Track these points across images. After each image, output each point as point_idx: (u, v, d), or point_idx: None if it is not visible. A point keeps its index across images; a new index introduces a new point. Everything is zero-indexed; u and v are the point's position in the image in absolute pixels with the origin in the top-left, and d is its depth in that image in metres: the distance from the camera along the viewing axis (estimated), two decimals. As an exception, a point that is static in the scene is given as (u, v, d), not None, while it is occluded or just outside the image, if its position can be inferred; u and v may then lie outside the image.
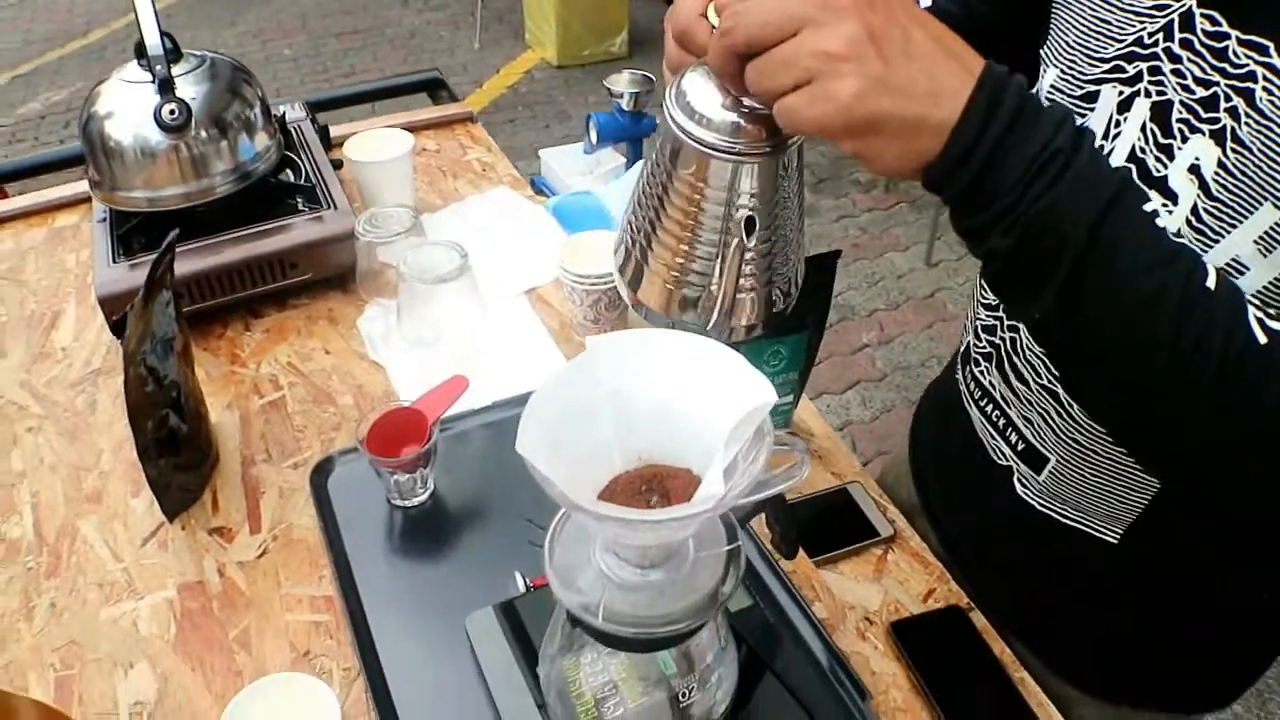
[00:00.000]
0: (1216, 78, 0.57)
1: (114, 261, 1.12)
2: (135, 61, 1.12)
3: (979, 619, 0.84)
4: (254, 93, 1.19)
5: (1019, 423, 0.79)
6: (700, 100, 0.53)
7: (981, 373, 0.84)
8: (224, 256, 1.13)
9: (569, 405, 0.54)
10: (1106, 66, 0.65)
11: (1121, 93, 0.64)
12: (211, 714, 0.77)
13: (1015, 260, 0.50)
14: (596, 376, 0.55)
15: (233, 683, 0.79)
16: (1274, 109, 0.54)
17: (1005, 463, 0.83)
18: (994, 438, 0.83)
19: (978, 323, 0.84)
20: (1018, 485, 0.82)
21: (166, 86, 1.08)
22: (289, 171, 1.28)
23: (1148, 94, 0.62)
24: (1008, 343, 0.78)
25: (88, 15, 5.27)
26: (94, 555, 0.90)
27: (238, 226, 1.16)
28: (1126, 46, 0.64)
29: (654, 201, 0.57)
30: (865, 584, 0.87)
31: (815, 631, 0.79)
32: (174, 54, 1.12)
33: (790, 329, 0.91)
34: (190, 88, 1.12)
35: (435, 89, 1.75)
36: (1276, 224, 0.55)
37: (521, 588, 0.81)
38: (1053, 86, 0.70)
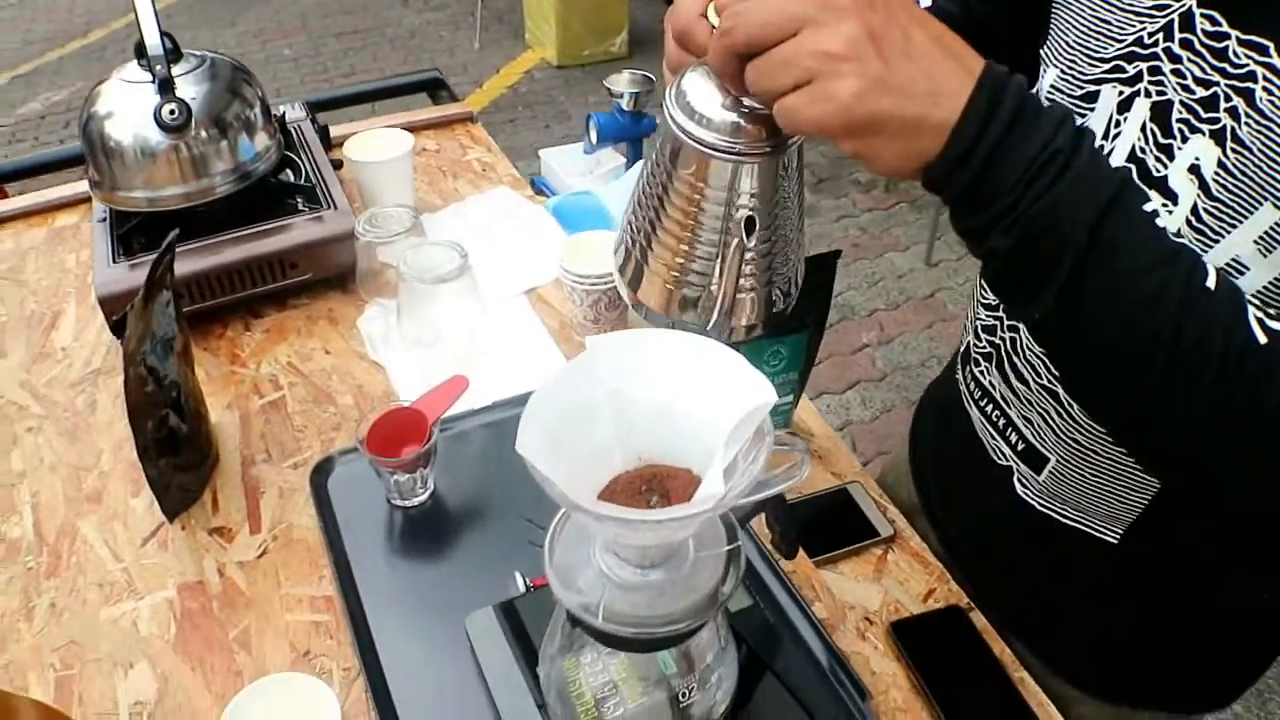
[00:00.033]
0: (1216, 78, 0.57)
1: (114, 261, 1.12)
2: (135, 61, 1.12)
3: (979, 619, 0.84)
4: (254, 93, 1.19)
5: (1019, 423, 0.79)
6: (700, 100, 0.53)
7: (981, 373, 0.84)
8: (224, 256, 1.13)
9: (569, 405, 0.54)
10: (1106, 66, 0.65)
11: (1121, 93, 0.64)
12: (211, 714, 0.77)
13: (1015, 260, 0.50)
14: (596, 376, 0.55)
15: (233, 683, 0.79)
16: (1274, 109, 0.54)
17: (1005, 463, 0.83)
18: (994, 438, 0.83)
19: (978, 323, 0.84)
20: (1018, 485, 0.82)
21: (166, 86, 1.08)
22: (289, 171, 1.28)
23: (1148, 94, 0.62)
24: (1008, 343, 0.78)
25: (88, 15, 5.27)
26: (94, 555, 0.90)
27: (238, 226, 1.16)
28: (1126, 46, 0.64)
29: (654, 202, 0.57)
30: (865, 584, 0.87)
31: (815, 631, 0.79)
32: (174, 54, 1.12)
33: (790, 329, 0.91)
34: (190, 88, 1.12)
35: (435, 89, 1.75)
36: (1276, 224, 0.55)
37: (521, 588, 0.81)
38: (1053, 86, 0.70)
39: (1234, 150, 0.56)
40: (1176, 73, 0.60)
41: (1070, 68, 0.68)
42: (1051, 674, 0.83)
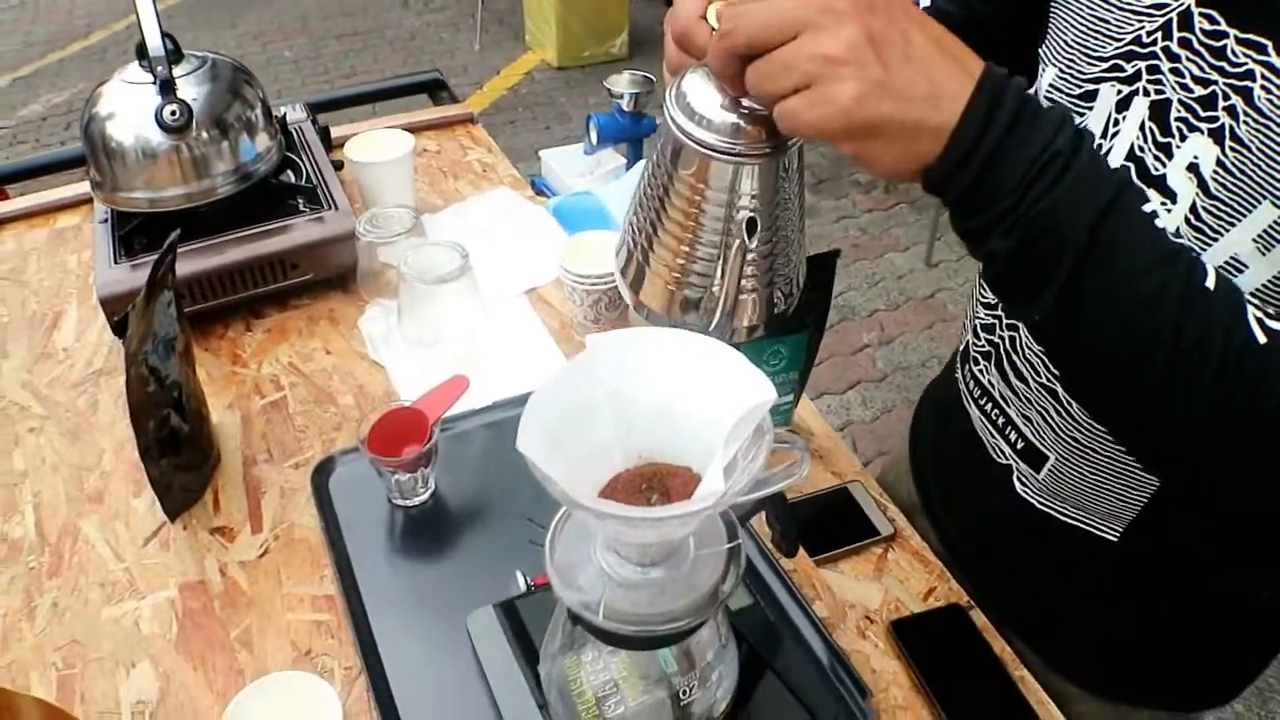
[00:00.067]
0: (1215, 76, 0.58)
1: (115, 262, 1.12)
2: (136, 62, 1.12)
3: (979, 617, 0.84)
4: (255, 94, 1.19)
5: (1018, 421, 0.80)
6: (700, 102, 0.53)
7: (981, 371, 0.84)
8: (225, 257, 1.13)
9: (569, 404, 0.54)
10: (1105, 65, 0.65)
11: (1120, 91, 0.64)
12: (213, 713, 0.77)
13: (1015, 262, 0.51)
14: (597, 375, 0.55)
15: (234, 682, 0.79)
16: (1272, 107, 0.54)
17: (1005, 461, 0.83)
18: (993, 436, 0.84)
19: (977, 321, 0.84)
20: (1017, 484, 0.82)
21: (168, 87, 1.08)
22: (290, 172, 1.28)
23: (1146, 93, 0.63)
24: (1007, 341, 0.78)
25: (88, 17, 5.28)
26: (96, 555, 0.90)
27: (239, 227, 1.16)
28: (1125, 45, 0.64)
29: (655, 203, 0.57)
30: (865, 583, 0.88)
31: (815, 630, 0.79)
32: (175, 55, 1.12)
33: (790, 329, 0.91)
34: (191, 89, 1.12)
35: (436, 90, 1.75)
36: (1275, 222, 0.55)
37: (522, 587, 0.81)
38: (1051, 86, 0.70)
39: (1232, 149, 0.57)
40: (1175, 71, 0.60)
41: (1069, 67, 0.68)
42: (1051, 672, 0.84)
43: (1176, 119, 0.60)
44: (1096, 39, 0.66)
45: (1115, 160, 0.64)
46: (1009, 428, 0.81)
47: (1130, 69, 0.63)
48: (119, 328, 0.83)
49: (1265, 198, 0.55)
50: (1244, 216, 0.57)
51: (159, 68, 1.08)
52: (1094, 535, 0.78)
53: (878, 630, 0.83)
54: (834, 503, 0.95)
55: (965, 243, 0.53)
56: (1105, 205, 0.48)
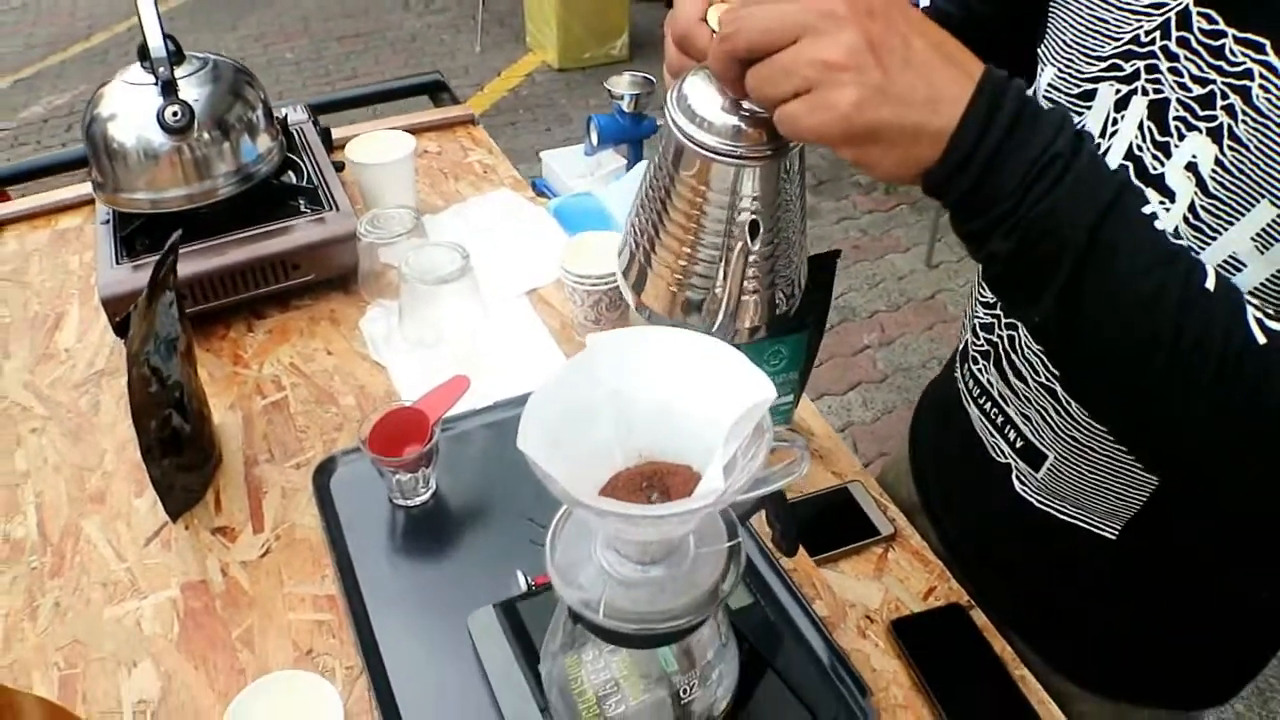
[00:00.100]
0: (1213, 76, 0.58)
1: (117, 263, 1.12)
2: (138, 64, 1.12)
3: (979, 617, 0.84)
4: (256, 95, 1.20)
5: (1017, 420, 0.80)
6: (702, 104, 0.53)
7: (980, 370, 0.84)
8: (227, 258, 1.14)
9: (570, 403, 0.55)
10: (1104, 65, 0.65)
11: (1119, 91, 0.65)
12: (215, 712, 0.77)
13: (1015, 263, 0.51)
14: (597, 375, 0.56)
15: (236, 681, 0.79)
16: (1271, 106, 0.54)
17: (1004, 460, 0.83)
18: (992, 435, 0.84)
19: (976, 320, 0.84)
20: (1016, 483, 0.82)
21: (169, 88, 1.09)
22: (291, 173, 1.28)
23: (1145, 92, 0.63)
24: (1006, 341, 0.79)
25: (90, 19, 5.28)
26: (97, 555, 0.90)
27: (240, 228, 1.16)
28: (1124, 45, 0.64)
29: (657, 205, 0.57)
30: (866, 582, 0.88)
31: (816, 629, 0.79)
32: (177, 56, 1.12)
33: (790, 329, 0.91)
34: (193, 90, 1.12)
35: (436, 91, 1.75)
36: (1273, 221, 0.56)
37: (523, 586, 0.82)
38: (1050, 85, 0.70)
39: (1231, 148, 0.57)
40: (1174, 71, 0.60)
41: (1068, 66, 0.69)
42: (1052, 671, 0.84)
43: (1175, 118, 0.61)
44: (1095, 38, 0.66)
45: (1114, 159, 0.64)
46: (1008, 427, 0.81)
47: (1129, 68, 0.64)
48: (121, 328, 0.83)
49: (1264, 196, 0.56)
50: (1242, 215, 0.57)
51: (161, 69, 1.08)
52: (1093, 534, 0.78)
53: (878, 630, 0.83)
54: (834, 502, 0.95)
55: (965, 244, 0.53)
56: (1105, 207, 0.48)
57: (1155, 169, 0.62)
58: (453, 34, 5.03)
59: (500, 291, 1.22)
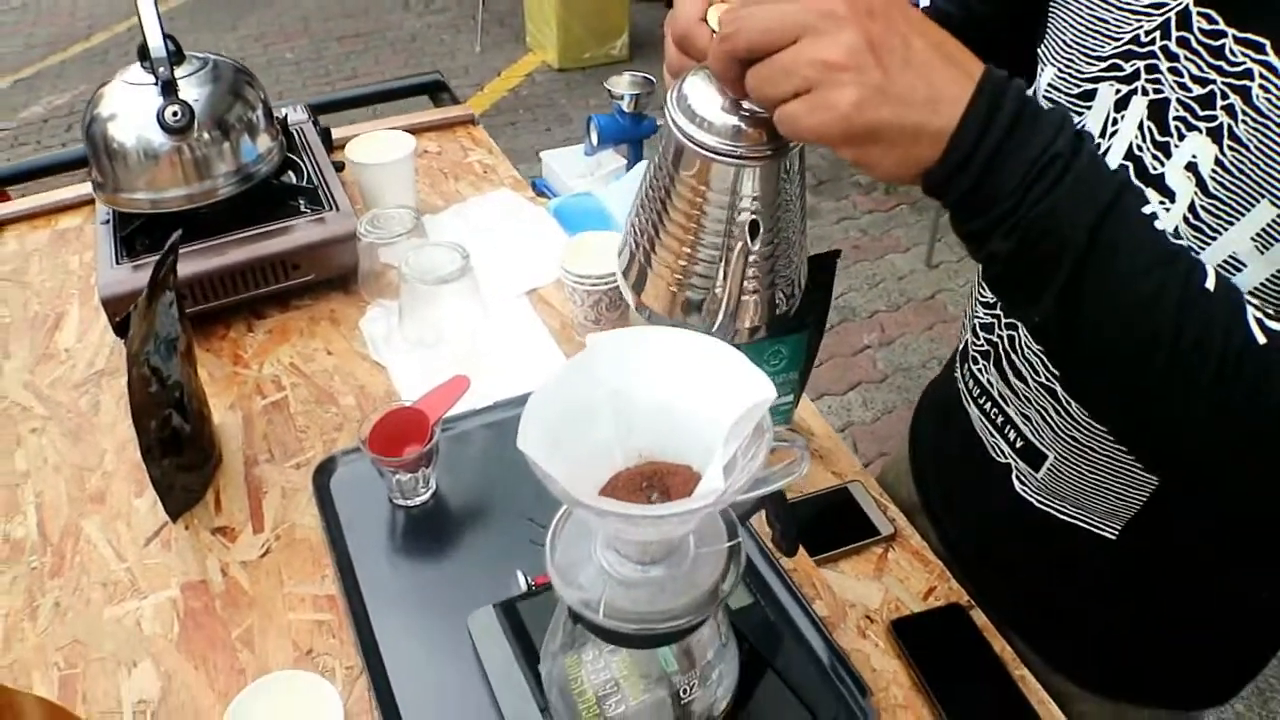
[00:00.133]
0: (1213, 76, 0.58)
1: (117, 263, 1.12)
2: (138, 64, 1.12)
3: (979, 617, 0.84)
4: (256, 95, 1.20)
5: (1017, 420, 0.80)
6: (702, 104, 0.53)
7: (980, 370, 0.84)
8: (227, 258, 1.14)
9: (570, 403, 0.55)
10: (1104, 65, 0.65)
11: (1119, 91, 0.65)
12: (215, 712, 0.77)
13: (1015, 263, 0.51)
14: (597, 375, 0.56)
15: (236, 681, 0.79)
16: (1271, 106, 0.54)
17: (1004, 460, 0.83)
18: (992, 435, 0.84)
19: (976, 320, 0.84)
20: (1016, 483, 0.82)
21: (169, 88, 1.09)
22: (291, 173, 1.28)
23: (1145, 92, 0.63)
24: (1005, 340, 0.79)
25: (90, 19, 5.29)
26: (97, 555, 0.90)
27: (240, 228, 1.16)
28: (1124, 45, 0.64)
29: (657, 205, 0.57)
30: (866, 582, 0.88)
31: (816, 629, 0.79)
32: (177, 56, 1.12)
33: (790, 329, 0.91)
34: (193, 90, 1.12)
35: (436, 91, 1.75)
36: (1273, 221, 0.56)
37: (523, 586, 0.82)
38: (1050, 85, 0.70)
39: (1231, 148, 0.57)
40: (1174, 71, 0.60)
41: (1068, 66, 0.69)
42: (1052, 671, 0.84)
43: (1175, 118, 0.61)
44: (1095, 38, 0.66)
45: (1114, 159, 0.64)
46: (1008, 427, 0.81)
47: (1129, 68, 0.64)
48: (121, 328, 0.83)
49: (1264, 196, 0.56)
50: (1242, 215, 0.57)
51: (161, 69, 1.08)
52: (1093, 534, 0.78)
53: (878, 630, 0.83)
54: (834, 503, 0.95)
55: (966, 244, 0.53)
56: (1105, 207, 0.48)
57: (1155, 169, 0.62)
58: (453, 34, 5.03)
59: (500, 291, 1.22)
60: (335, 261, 1.19)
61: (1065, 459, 0.76)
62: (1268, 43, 0.54)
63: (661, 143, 0.57)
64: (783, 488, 0.60)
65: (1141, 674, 0.85)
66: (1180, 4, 0.60)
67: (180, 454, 0.91)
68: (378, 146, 1.29)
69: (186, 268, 1.06)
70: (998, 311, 0.80)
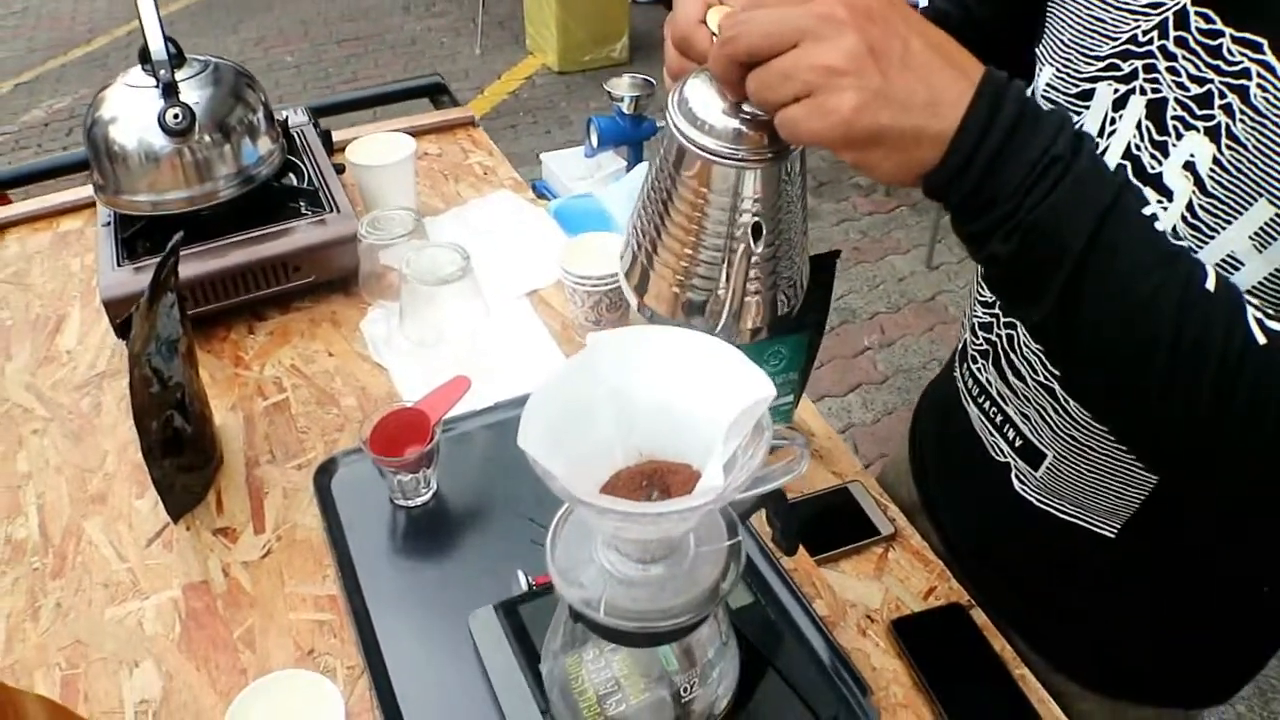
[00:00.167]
0: (1211, 75, 0.58)
1: (118, 265, 1.13)
2: (139, 66, 1.13)
3: (980, 616, 0.84)
4: (257, 97, 1.20)
5: (1016, 419, 0.80)
6: (702, 107, 0.53)
7: (979, 369, 0.84)
8: (227, 260, 1.14)
9: (570, 402, 0.55)
10: (1102, 65, 0.66)
11: (1117, 90, 0.65)
12: (216, 711, 0.77)
13: (1016, 265, 0.51)
14: (597, 373, 0.56)
15: (237, 681, 0.79)
16: (1268, 105, 0.54)
17: (1003, 459, 0.83)
18: (992, 434, 0.84)
19: (974, 319, 0.85)
20: (1015, 481, 0.82)
21: (171, 91, 1.09)
22: (292, 175, 1.29)
23: (1143, 91, 0.63)
24: (1004, 339, 0.79)
25: (90, 23, 5.29)
26: (99, 556, 0.90)
27: (241, 230, 1.17)
28: (1121, 45, 0.64)
29: (658, 207, 0.57)
30: (866, 582, 0.88)
31: (816, 628, 0.79)
32: (178, 59, 1.12)
33: (790, 329, 0.91)
34: (194, 92, 1.12)
35: (437, 94, 1.75)
36: (1271, 219, 0.56)
37: (524, 586, 0.82)
38: (1048, 85, 0.70)
39: (1229, 147, 0.57)
40: (1171, 70, 0.61)
41: (1066, 66, 0.69)
42: (1052, 670, 0.84)
43: (1173, 117, 0.61)
44: (1093, 38, 0.66)
45: (1112, 159, 0.65)
46: (1007, 425, 0.81)
47: (1127, 68, 0.64)
48: (122, 329, 0.84)
49: (1262, 195, 0.56)
50: (1241, 214, 0.57)
51: (162, 71, 1.08)
52: (1093, 533, 0.78)
53: (878, 629, 0.83)
54: (834, 502, 0.95)
55: (967, 246, 0.53)
56: (1105, 208, 0.49)
57: (1153, 168, 0.62)
58: (453, 37, 5.04)
59: (501, 293, 1.22)
60: (336, 263, 1.19)
61: (1064, 458, 0.76)
62: (1265, 42, 0.55)
63: (663, 145, 0.57)
64: (782, 486, 0.60)
65: (1141, 673, 0.85)
66: (1178, 4, 0.60)
67: (181, 455, 0.91)
68: (378, 149, 1.30)
69: (188, 270, 1.07)
70: (996, 311, 0.81)
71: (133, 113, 1.11)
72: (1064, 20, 0.69)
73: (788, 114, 0.49)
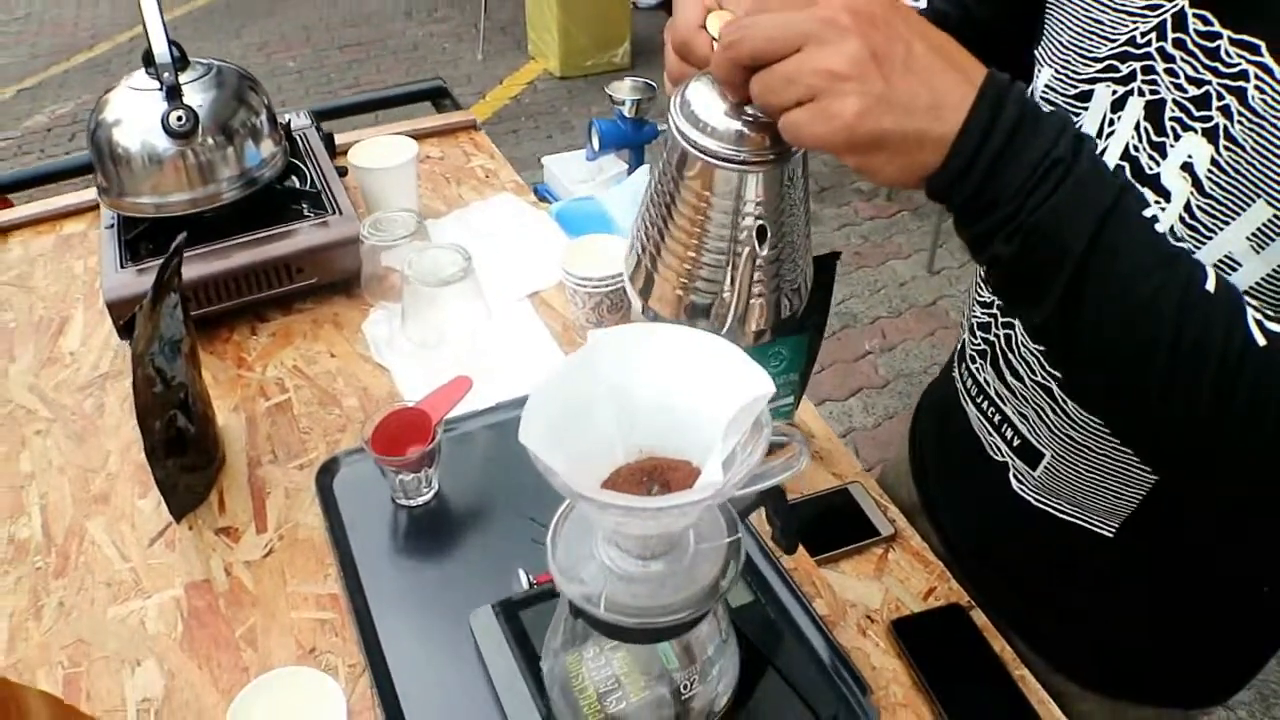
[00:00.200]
0: (1209, 77, 0.58)
1: (122, 267, 1.13)
2: (143, 69, 1.13)
3: (979, 617, 0.84)
4: (260, 100, 1.20)
5: (1014, 419, 0.80)
6: (705, 110, 0.54)
7: (977, 369, 0.84)
8: (230, 261, 1.14)
9: (571, 399, 0.55)
10: (1100, 66, 0.66)
11: (1115, 92, 0.65)
12: (218, 710, 0.78)
13: (1017, 266, 0.51)
14: (598, 371, 0.56)
15: (239, 679, 0.80)
16: (1266, 107, 0.55)
17: (1001, 459, 0.83)
18: (990, 434, 0.84)
19: (973, 319, 0.85)
20: (1014, 481, 0.83)
21: (174, 93, 1.10)
22: (294, 178, 1.29)
23: (1141, 93, 0.63)
24: (1002, 339, 0.79)
25: (93, 29, 5.31)
26: (102, 555, 0.91)
27: (244, 232, 1.17)
28: (1120, 46, 0.64)
29: (662, 210, 0.58)
30: (866, 582, 0.88)
31: (816, 627, 0.79)
32: (181, 62, 1.13)
33: (790, 330, 0.91)
34: (197, 95, 1.13)
35: (439, 97, 1.76)
36: (1269, 220, 0.56)
37: (525, 585, 0.82)
38: (1047, 86, 0.71)
39: (1227, 148, 0.57)
40: (1169, 72, 0.61)
41: (1064, 67, 0.69)
42: (1052, 670, 0.84)
43: (1171, 119, 0.61)
44: (1091, 40, 0.67)
45: (1110, 160, 0.65)
46: (1005, 425, 0.81)
47: (1125, 69, 0.64)
48: (126, 329, 0.84)
49: (1259, 196, 0.56)
50: (1238, 215, 0.57)
51: (165, 74, 1.09)
52: (1092, 533, 0.78)
53: (878, 629, 0.84)
54: (835, 503, 0.95)
55: (969, 248, 0.54)
56: (1105, 210, 0.49)
57: (1151, 169, 0.62)
58: (455, 42, 5.05)
59: (502, 294, 1.23)
60: (338, 265, 1.20)
61: (1062, 457, 0.76)
62: (1263, 44, 0.55)
63: (665, 150, 0.57)
64: (782, 483, 0.60)
65: (1141, 673, 0.85)
66: (1176, 5, 0.61)
67: (184, 455, 0.92)
68: (380, 151, 1.30)
69: (190, 271, 1.07)
70: (994, 311, 0.81)
71: (136, 115, 1.11)
72: (1062, 22, 0.70)
73: (791, 118, 0.49)
